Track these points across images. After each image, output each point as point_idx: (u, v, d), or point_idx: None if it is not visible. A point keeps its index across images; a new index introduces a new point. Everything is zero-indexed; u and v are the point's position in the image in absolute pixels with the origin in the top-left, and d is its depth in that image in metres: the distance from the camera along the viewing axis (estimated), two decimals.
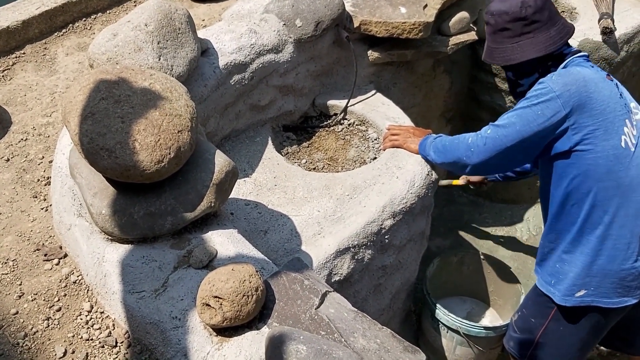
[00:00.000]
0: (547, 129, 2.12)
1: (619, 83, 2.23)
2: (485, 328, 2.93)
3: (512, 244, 3.94)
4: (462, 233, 4.01)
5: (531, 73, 2.29)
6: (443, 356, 3.15)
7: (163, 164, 1.77)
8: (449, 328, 3.00)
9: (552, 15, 2.22)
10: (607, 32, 3.37)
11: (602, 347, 3.09)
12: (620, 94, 2.18)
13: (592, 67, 2.21)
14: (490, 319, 3.38)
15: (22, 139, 2.63)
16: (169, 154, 1.78)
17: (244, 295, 1.62)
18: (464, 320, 2.94)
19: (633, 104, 2.23)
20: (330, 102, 2.97)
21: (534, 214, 4.03)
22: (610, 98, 2.12)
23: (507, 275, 3.26)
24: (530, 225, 4.00)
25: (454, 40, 3.12)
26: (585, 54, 2.27)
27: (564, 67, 2.22)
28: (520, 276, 3.26)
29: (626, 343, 2.62)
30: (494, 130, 2.22)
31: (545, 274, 2.39)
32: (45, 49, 3.14)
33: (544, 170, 2.28)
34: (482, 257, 3.33)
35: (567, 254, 2.28)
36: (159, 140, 1.77)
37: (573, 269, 2.26)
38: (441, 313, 2.99)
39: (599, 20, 3.46)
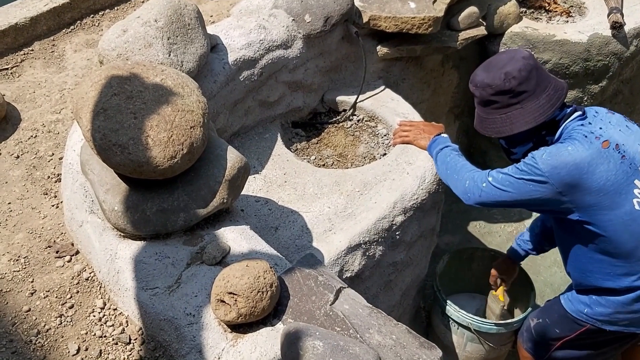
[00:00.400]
0: (543, 200, 2.05)
1: (621, 139, 2.05)
2: (496, 324, 2.92)
3: None
4: (471, 229, 4.00)
5: (524, 142, 2.19)
6: (453, 353, 3.14)
7: (176, 160, 1.76)
8: (459, 324, 2.99)
9: (541, 81, 2.08)
10: (617, 27, 3.35)
11: None
12: (623, 155, 2.01)
13: (586, 137, 2.02)
14: None
15: (31, 136, 2.62)
16: (182, 150, 1.77)
17: (258, 292, 1.62)
18: (475, 317, 2.93)
19: None
20: (339, 98, 2.95)
21: None
22: (609, 171, 1.99)
23: None
24: None
25: (463, 35, 3.11)
26: (580, 113, 2.11)
27: (557, 138, 2.11)
28: (529, 272, 3.25)
29: None
30: (489, 187, 2.15)
31: (576, 302, 2.34)
32: (53, 45, 3.14)
33: (562, 227, 2.23)
34: (491, 253, 3.31)
35: (604, 291, 2.23)
36: (171, 136, 1.76)
37: (612, 304, 2.22)
38: (452, 309, 2.98)
39: (608, 15, 3.44)
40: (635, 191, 2.02)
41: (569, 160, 1.98)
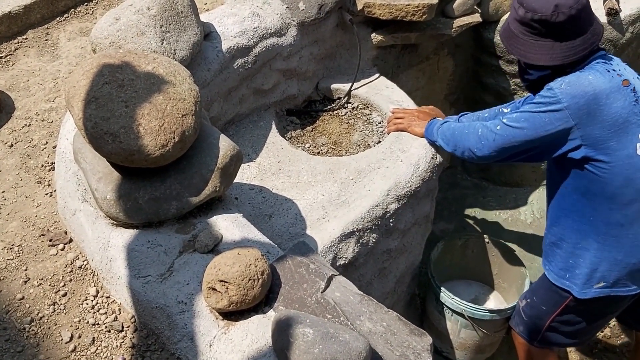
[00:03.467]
0: (555, 136, 2.06)
1: (637, 85, 2.08)
2: (490, 311, 2.94)
3: (516, 227, 3.93)
4: (466, 217, 4.01)
5: (543, 69, 2.15)
6: (447, 339, 3.15)
7: (167, 148, 1.77)
8: (453, 311, 3.01)
9: (584, 23, 2.04)
10: (612, 13, 3.34)
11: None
12: (637, 100, 2.05)
13: (609, 72, 2.05)
14: (495, 302, 3.38)
15: (25, 125, 2.62)
16: (174, 138, 1.77)
17: (250, 279, 1.62)
18: (469, 304, 2.94)
19: None
20: (334, 86, 2.95)
21: (537, 197, 4.02)
22: (623, 108, 2.01)
23: (511, 258, 3.26)
24: (534, 208, 3.99)
25: (458, 22, 3.10)
26: (604, 52, 2.12)
27: (577, 71, 2.09)
28: (524, 259, 3.26)
29: (638, 320, 2.63)
30: (503, 128, 2.17)
31: (557, 268, 2.36)
32: (47, 34, 3.13)
33: (560, 170, 2.23)
34: (486, 240, 3.32)
35: (582, 250, 2.26)
36: (163, 125, 1.76)
37: (589, 264, 2.24)
38: (446, 296, 2.99)
39: (604, 1, 3.43)
40: None
41: (589, 90, 2.00)
